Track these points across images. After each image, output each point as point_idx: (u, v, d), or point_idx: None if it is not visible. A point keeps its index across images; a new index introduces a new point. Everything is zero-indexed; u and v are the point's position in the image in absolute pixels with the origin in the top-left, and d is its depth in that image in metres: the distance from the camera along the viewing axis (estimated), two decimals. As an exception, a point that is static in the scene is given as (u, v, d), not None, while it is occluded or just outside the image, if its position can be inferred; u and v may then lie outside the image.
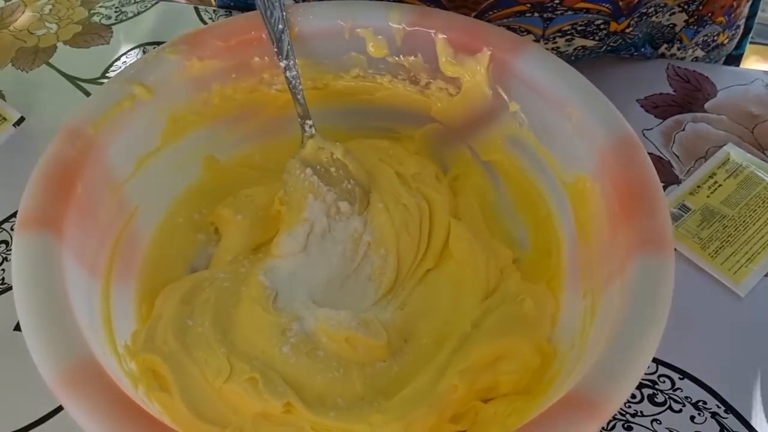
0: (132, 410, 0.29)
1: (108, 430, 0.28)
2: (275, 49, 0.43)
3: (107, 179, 0.40)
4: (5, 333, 0.44)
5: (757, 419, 0.39)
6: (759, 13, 0.66)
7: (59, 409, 0.40)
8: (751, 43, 0.69)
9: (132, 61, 0.49)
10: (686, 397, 0.40)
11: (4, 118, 0.55)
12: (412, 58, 0.44)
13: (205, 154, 0.46)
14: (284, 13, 0.42)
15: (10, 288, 0.45)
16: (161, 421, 0.30)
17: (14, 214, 0.49)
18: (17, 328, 0.43)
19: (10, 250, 0.47)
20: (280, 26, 0.42)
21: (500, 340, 0.37)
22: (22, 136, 0.55)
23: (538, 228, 0.44)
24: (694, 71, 0.59)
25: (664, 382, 0.41)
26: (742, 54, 0.68)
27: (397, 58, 0.45)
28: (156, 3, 0.65)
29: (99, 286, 0.38)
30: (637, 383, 0.29)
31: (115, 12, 0.65)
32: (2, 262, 0.47)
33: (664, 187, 0.51)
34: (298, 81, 0.43)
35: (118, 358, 0.36)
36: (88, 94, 0.58)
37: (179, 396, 0.36)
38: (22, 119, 0.55)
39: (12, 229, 0.49)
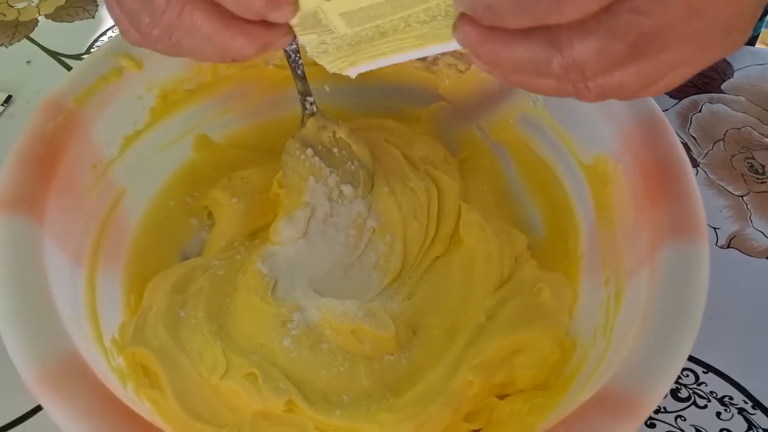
0: (119, 411, 0.26)
1: (93, 433, 0.25)
2: (273, 20, 0.40)
3: (92, 158, 0.37)
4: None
5: (786, 415, 0.37)
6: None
7: (38, 408, 0.37)
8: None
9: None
10: (711, 392, 0.38)
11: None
12: (420, 31, 0.42)
13: (197, 133, 0.43)
14: (283, -19, 0.39)
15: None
16: (151, 422, 0.27)
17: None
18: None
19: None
20: (279, -5, 0.39)
21: (517, 333, 0.35)
22: (3, 116, 0.51)
23: (553, 212, 0.42)
24: (709, 50, 0.57)
25: (687, 376, 0.39)
26: (758, 36, 0.66)
27: (403, 32, 0.42)
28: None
29: (83, 274, 0.35)
30: (675, 377, 0.27)
31: (101, -15, 0.61)
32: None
33: (683, 171, 0.49)
34: (298, 55, 0.40)
35: (105, 352, 0.33)
36: (70, 69, 0.54)
37: (171, 393, 0.33)
38: (9, 97, 0.52)
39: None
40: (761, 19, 0.64)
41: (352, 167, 0.41)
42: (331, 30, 0.25)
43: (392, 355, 0.36)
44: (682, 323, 0.28)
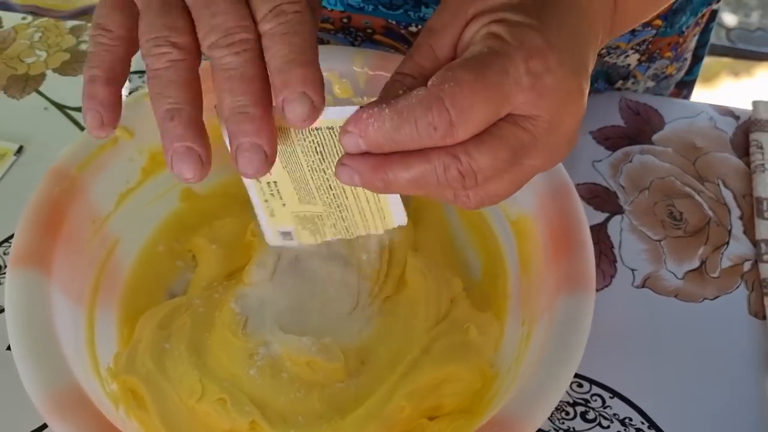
0: (111, 432, 0.33)
1: (90, 450, 0.32)
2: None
3: (91, 215, 0.44)
4: (-2, 352, 0.47)
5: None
6: (742, 18, 0.70)
7: (44, 426, 0.44)
8: (732, 47, 0.72)
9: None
10: (614, 414, 0.45)
11: (5, 150, 0.58)
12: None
13: (183, 186, 0.50)
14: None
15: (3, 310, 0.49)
16: (138, 441, 0.34)
17: (7, 239, 0.53)
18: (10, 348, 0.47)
19: (4, 273, 0.51)
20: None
21: (445, 366, 0.41)
22: (15, 165, 0.58)
23: (488, 259, 0.49)
24: (644, 104, 0.63)
25: (596, 400, 0.45)
26: (695, 79, 0.72)
27: (361, 99, 0.49)
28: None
29: (83, 314, 0.42)
30: (554, 407, 0.34)
31: (102, 40, 0.68)
32: (-4, 285, 0.51)
33: (608, 218, 0.55)
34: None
35: (101, 380, 0.40)
36: (76, 122, 0.61)
37: (156, 414, 0.40)
38: (20, 148, 0.59)
39: (5, 254, 0.52)
40: (696, 64, 0.70)
41: (315, 220, 0.48)
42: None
43: (342, 382, 0.43)
44: (563, 362, 0.35)
